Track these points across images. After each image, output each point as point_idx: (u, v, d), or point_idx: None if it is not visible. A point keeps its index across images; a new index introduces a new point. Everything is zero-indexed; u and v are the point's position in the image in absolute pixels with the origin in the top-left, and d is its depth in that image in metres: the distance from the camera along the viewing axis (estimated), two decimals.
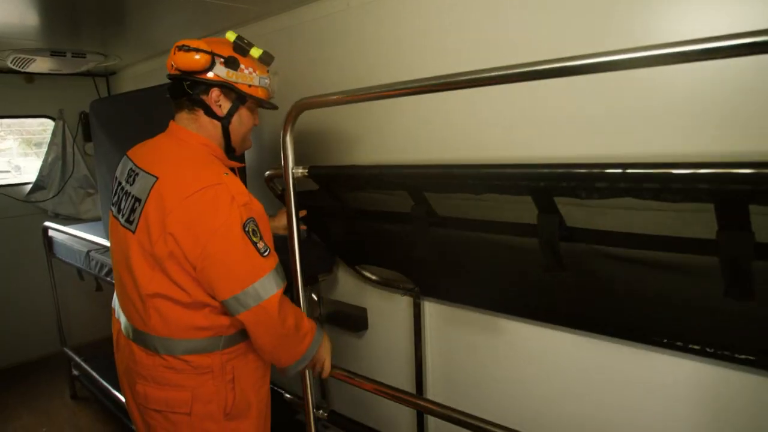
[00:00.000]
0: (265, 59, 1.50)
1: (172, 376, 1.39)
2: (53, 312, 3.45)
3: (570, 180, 1.07)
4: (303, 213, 1.85)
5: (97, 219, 3.99)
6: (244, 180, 1.56)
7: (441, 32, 1.92)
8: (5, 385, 3.64)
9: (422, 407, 1.31)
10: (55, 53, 3.11)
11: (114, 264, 1.52)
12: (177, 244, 1.27)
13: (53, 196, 4.03)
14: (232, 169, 1.49)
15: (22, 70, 3.36)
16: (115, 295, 1.58)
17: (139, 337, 1.42)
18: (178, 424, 1.40)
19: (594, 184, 1.03)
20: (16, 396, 3.54)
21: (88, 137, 4.29)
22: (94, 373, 3.05)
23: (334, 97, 1.35)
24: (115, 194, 1.50)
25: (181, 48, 1.37)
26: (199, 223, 1.27)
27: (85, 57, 3.26)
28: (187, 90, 1.42)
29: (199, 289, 1.33)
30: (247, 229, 1.29)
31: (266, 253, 1.32)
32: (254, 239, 1.30)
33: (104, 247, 2.66)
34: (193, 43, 1.37)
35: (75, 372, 3.49)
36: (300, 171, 1.48)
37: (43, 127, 4.43)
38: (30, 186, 4.01)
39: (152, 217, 1.30)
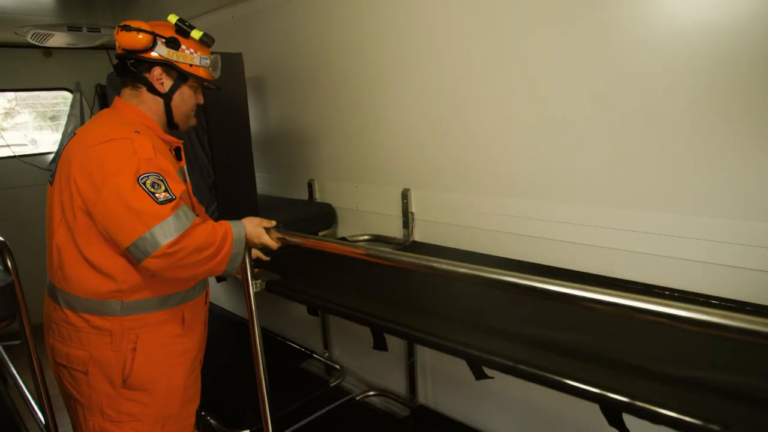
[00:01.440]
0: (206, 41, 1.59)
1: (73, 333, 1.45)
2: None
3: None
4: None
5: None
6: (185, 157, 1.72)
7: (437, 12, 2.08)
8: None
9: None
10: (72, 28, 3.30)
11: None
12: (78, 190, 1.35)
13: None
14: (177, 149, 1.64)
15: (41, 45, 3.57)
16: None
17: (50, 290, 1.51)
18: (78, 381, 1.46)
19: None
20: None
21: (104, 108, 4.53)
22: None
23: (299, 239, 1.57)
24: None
25: (123, 28, 1.47)
26: (97, 170, 1.33)
27: (99, 31, 3.45)
28: (130, 68, 1.51)
29: (95, 245, 1.40)
30: (142, 180, 1.32)
31: (165, 202, 1.33)
32: (152, 190, 1.32)
33: None
34: (135, 23, 1.47)
35: None
36: (258, 283, 1.71)
37: (56, 101, 4.65)
38: (52, 156, 4.26)
39: (64, 166, 1.41)
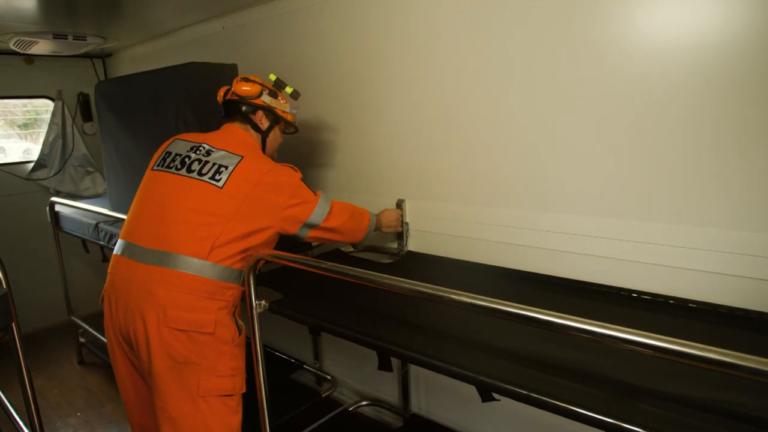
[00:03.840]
0: (295, 95, 2.12)
1: (204, 299, 1.70)
2: (60, 283, 3.65)
3: None
4: None
5: (96, 196, 4.18)
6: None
7: (430, 22, 2.13)
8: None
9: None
10: (57, 36, 3.25)
11: (157, 206, 1.80)
12: (270, 196, 1.79)
13: (54, 174, 4.20)
14: None
15: (24, 52, 3.50)
16: (127, 243, 1.80)
17: (176, 260, 1.68)
18: (201, 344, 1.68)
19: None
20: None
21: (86, 117, 4.45)
22: (102, 338, 3.26)
23: (292, 263, 1.62)
24: (173, 160, 1.88)
25: (242, 80, 1.99)
26: (283, 183, 1.82)
27: (85, 39, 3.41)
28: (241, 110, 1.98)
29: (265, 231, 1.79)
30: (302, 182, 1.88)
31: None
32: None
33: (112, 219, 2.86)
34: (250, 77, 2.01)
35: (81, 339, 3.72)
36: (262, 303, 1.76)
37: (26, 108, 4.54)
38: (32, 165, 4.17)
39: (242, 178, 1.78)
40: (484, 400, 1.30)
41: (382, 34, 2.28)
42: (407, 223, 2.36)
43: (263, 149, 2.04)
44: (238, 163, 1.80)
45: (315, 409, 2.73)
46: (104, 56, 4.45)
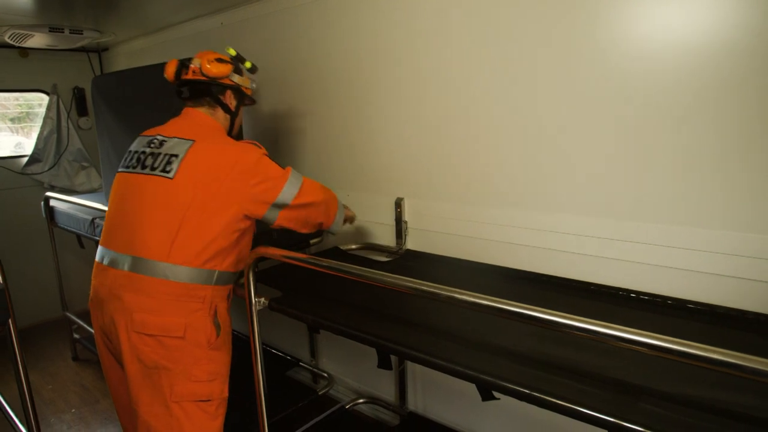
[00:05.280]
0: (253, 70, 2.04)
1: (172, 302, 1.62)
2: (55, 278, 3.63)
3: None
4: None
5: (92, 191, 4.16)
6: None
7: (429, 20, 2.13)
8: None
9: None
10: (53, 29, 3.22)
11: (121, 210, 1.74)
12: (219, 182, 1.65)
13: (49, 169, 4.17)
14: None
15: (20, 45, 3.47)
16: (102, 249, 1.77)
17: (143, 264, 1.62)
18: (171, 348, 1.62)
19: None
20: None
21: (81, 112, 4.42)
22: None
23: (291, 260, 1.63)
24: (131, 159, 1.80)
25: (215, 60, 1.86)
26: (242, 161, 1.69)
27: (82, 33, 3.38)
28: (211, 91, 1.88)
29: (216, 222, 1.65)
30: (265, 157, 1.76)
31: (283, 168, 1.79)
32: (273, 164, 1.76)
33: None
34: (223, 57, 1.89)
35: (76, 335, 3.70)
36: (261, 301, 1.78)
37: (17, 102, 4.50)
38: (26, 159, 4.13)
39: (196, 165, 1.68)
40: (484, 399, 1.31)
41: (385, 32, 2.28)
42: (406, 222, 2.37)
43: (231, 129, 1.97)
44: (189, 148, 1.70)
45: (311, 407, 2.73)
46: (100, 50, 4.42)
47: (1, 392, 2.66)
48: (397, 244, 2.40)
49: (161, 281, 1.61)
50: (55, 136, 4.19)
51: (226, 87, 1.90)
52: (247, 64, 2.02)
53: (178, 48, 3.44)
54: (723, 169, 1.52)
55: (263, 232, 2.41)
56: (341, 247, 2.46)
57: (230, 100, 1.93)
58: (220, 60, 1.87)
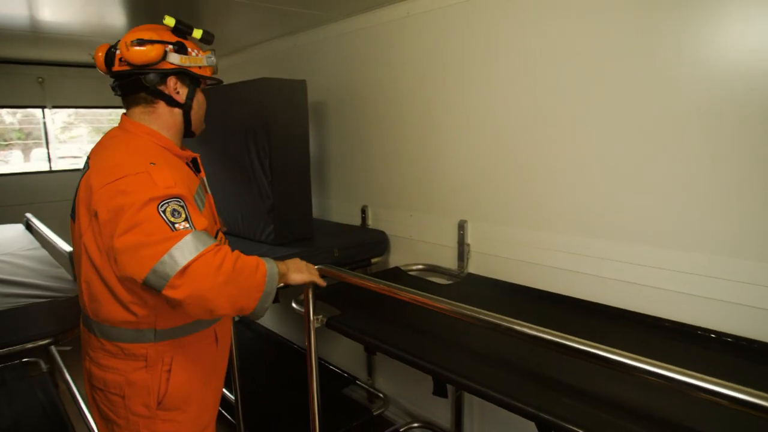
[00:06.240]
0: (208, 38, 1.48)
1: (109, 359, 1.41)
2: None
3: None
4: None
5: None
6: (203, 166, 1.63)
7: (498, 38, 2.10)
8: None
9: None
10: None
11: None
12: (99, 230, 1.30)
13: None
14: (193, 161, 1.55)
15: None
16: None
17: (85, 319, 1.48)
18: (114, 404, 1.43)
19: None
20: None
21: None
22: None
23: (345, 277, 1.64)
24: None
25: (133, 43, 1.34)
26: (115, 208, 1.25)
27: None
28: (144, 84, 1.39)
29: (122, 282, 1.33)
30: (162, 209, 1.24)
31: (181, 228, 1.24)
32: (171, 219, 1.24)
33: None
34: (145, 35, 1.35)
35: None
36: (320, 318, 1.76)
37: (111, 117, 4.86)
38: None
39: (82, 204, 1.34)
40: None
41: (449, 55, 2.27)
42: (468, 244, 2.32)
43: (187, 127, 1.52)
44: (81, 178, 1.39)
45: (365, 427, 2.71)
46: None
47: (78, 387, 2.84)
48: (458, 267, 2.36)
49: (97, 338, 1.43)
50: None
51: (165, 73, 1.41)
52: (196, 33, 1.45)
53: (252, 67, 3.60)
54: None
55: (325, 252, 2.45)
56: (402, 268, 2.45)
57: (176, 88, 1.44)
58: (142, 42, 1.34)
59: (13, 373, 3.23)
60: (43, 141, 4.44)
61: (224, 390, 2.80)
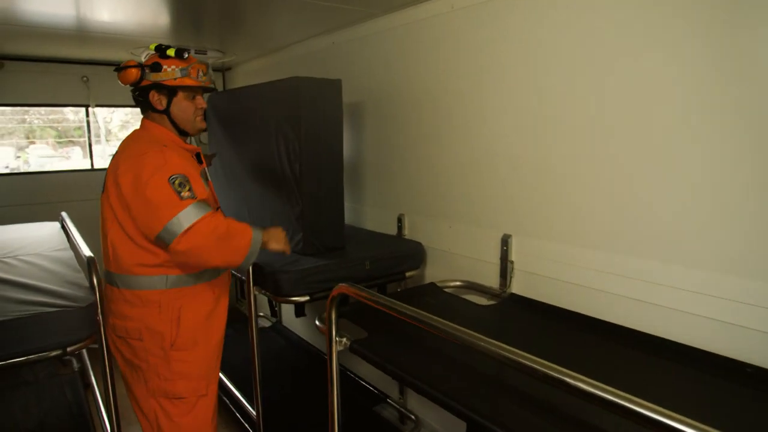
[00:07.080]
0: (180, 54, 1.83)
1: (129, 308, 1.78)
2: None
3: None
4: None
5: None
6: (209, 164, 2.22)
7: (548, 37, 1.87)
8: None
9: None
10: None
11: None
12: (121, 189, 1.71)
13: None
14: (197, 155, 1.96)
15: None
16: None
17: (108, 277, 1.84)
18: (136, 348, 1.80)
19: None
20: None
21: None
22: None
23: (373, 299, 1.45)
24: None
25: (116, 70, 1.82)
26: (137, 175, 1.68)
27: (206, 53, 3.55)
28: (138, 97, 1.87)
29: (140, 231, 1.73)
30: (172, 180, 1.66)
31: (186, 197, 1.66)
32: (178, 189, 1.66)
33: None
34: (130, 62, 1.81)
35: None
36: (343, 341, 1.61)
37: None
38: None
39: (110, 176, 1.78)
40: None
41: (495, 54, 2.06)
42: (512, 261, 2.09)
43: (177, 128, 1.89)
44: (111, 159, 1.83)
45: None
46: (224, 70, 4.66)
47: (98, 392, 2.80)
48: (500, 285, 2.13)
49: (117, 290, 1.80)
50: None
51: (145, 90, 1.83)
52: (170, 52, 1.82)
53: (291, 66, 3.48)
54: None
55: (356, 264, 2.28)
56: (438, 284, 2.25)
57: (157, 100, 1.84)
58: (119, 68, 1.81)
59: (45, 371, 3.24)
60: (88, 139, 4.47)
61: (245, 402, 2.72)
